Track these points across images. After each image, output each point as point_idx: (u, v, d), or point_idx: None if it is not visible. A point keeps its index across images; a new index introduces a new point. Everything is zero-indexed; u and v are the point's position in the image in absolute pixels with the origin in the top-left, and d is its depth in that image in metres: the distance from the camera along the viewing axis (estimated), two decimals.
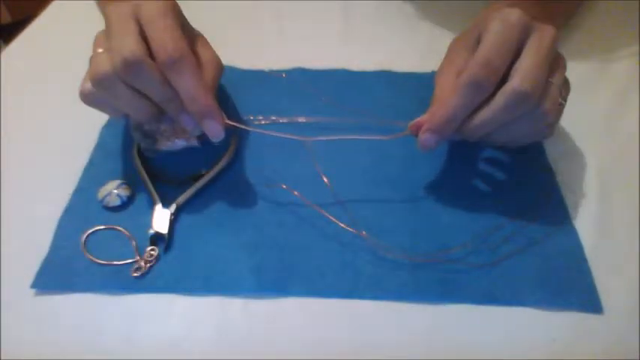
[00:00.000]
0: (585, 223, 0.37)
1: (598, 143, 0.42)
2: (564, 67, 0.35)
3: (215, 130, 0.35)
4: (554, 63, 0.34)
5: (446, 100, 0.33)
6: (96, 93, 0.35)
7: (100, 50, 0.34)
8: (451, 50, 0.39)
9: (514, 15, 0.33)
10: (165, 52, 0.32)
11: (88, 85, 0.35)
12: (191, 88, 0.33)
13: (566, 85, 0.36)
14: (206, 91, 0.34)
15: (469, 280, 0.34)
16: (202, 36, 0.40)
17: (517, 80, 0.31)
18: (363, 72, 0.49)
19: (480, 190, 0.39)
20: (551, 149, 0.42)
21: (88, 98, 0.36)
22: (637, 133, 0.43)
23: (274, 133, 0.38)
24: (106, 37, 0.34)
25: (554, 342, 0.31)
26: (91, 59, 0.35)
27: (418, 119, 0.35)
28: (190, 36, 0.38)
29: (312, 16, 0.56)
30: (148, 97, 0.35)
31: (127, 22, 0.33)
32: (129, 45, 0.32)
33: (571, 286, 0.33)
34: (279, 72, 0.48)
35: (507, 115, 0.33)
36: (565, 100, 0.35)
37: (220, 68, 0.40)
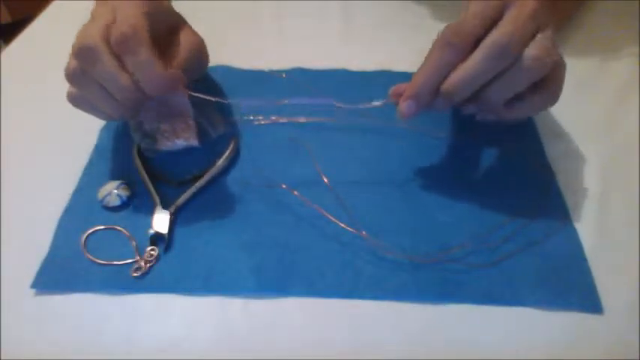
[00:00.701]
0: (585, 223, 0.37)
1: (598, 143, 0.42)
2: (552, 35, 0.34)
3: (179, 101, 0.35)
4: (541, 29, 0.33)
5: (422, 66, 0.34)
6: (75, 92, 0.35)
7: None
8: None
9: None
10: (117, 30, 0.32)
11: (70, 89, 0.36)
12: (143, 63, 0.33)
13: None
14: (160, 67, 0.33)
15: (469, 280, 0.34)
16: (187, 24, 0.41)
17: (495, 33, 0.32)
18: (363, 72, 0.49)
19: (480, 190, 0.39)
20: (551, 149, 0.42)
21: (71, 98, 0.36)
22: (637, 133, 0.43)
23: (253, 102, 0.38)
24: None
25: (554, 342, 0.31)
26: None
27: (398, 85, 0.36)
28: (171, 23, 0.39)
29: (312, 16, 0.56)
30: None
31: (102, 12, 0.34)
32: (89, 32, 0.33)
33: (571, 286, 0.33)
34: (279, 72, 0.48)
35: (487, 68, 0.32)
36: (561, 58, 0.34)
37: (197, 50, 0.40)
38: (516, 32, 0.31)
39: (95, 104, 0.36)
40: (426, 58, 0.34)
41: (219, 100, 0.38)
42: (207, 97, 0.38)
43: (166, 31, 0.37)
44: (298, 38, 0.53)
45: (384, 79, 0.48)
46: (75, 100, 0.36)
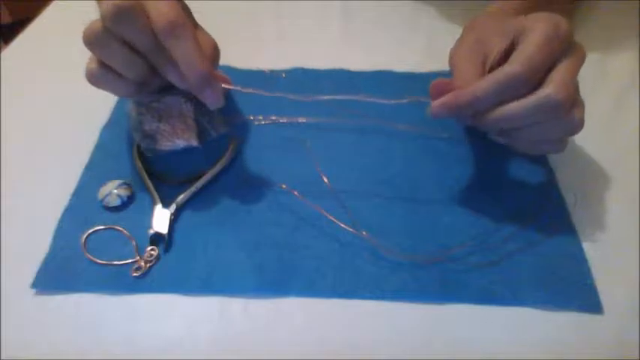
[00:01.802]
0: (585, 223, 0.37)
1: (598, 143, 0.42)
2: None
3: (212, 99, 0.35)
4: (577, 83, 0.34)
5: (476, 83, 0.33)
6: (96, 66, 0.34)
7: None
8: (478, 29, 0.38)
9: (564, 24, 0.32)
10: (164, 17, 0.32)
11: (90, 65, 0.35)
12: (190, 53, 0.32)
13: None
14: (204, 59, 0.33)
15: (469, 280, 0.34)
16: (201, 27, 0.41)
17: (554, 87, 0.31)
18: (363, 72, 0.49)
19: (480, 190, 0.39)
20: None
21: (92, 73, 0.35)
22: (637, 133, 0.43)
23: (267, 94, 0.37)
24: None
25: (554, 342, 0.31)
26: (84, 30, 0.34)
27: (440, 80, 0.34)
28: (192, 22, 0.38)
29: (312, 16, 0.56)
30: (138, 53, 0.34)
31: None
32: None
33: (571, 286, 0.33)
34: (279, 72, 0.48)
35: (535, 117, 0.32)
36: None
37: (218, 51, 0.40)
38: (571, 88, 0.31)
39: (119, 68, 0.35)
40: (489, 78, 0.32)
41: (257, 91, 0.37)
42: (245, 90, 0.37)
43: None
44: (298, 38, 0.53)
45: (384, 79, 0.48)
46: (96, 74, 0.35)
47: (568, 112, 0.32)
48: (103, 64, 0.34)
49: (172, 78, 0.35)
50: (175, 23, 0.32)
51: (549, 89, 0.31)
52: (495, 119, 0.33)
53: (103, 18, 0.32)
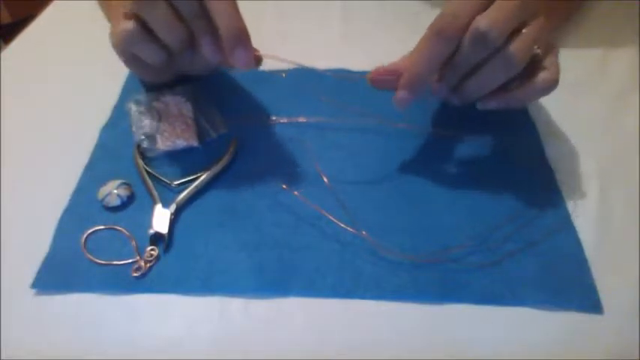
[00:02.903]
0: (585, 223, 0.37)
1: (598, 143, 0.42)
2: (543, 28, 0.34)
3: (245, 59, 0.35)
4: (532, 21, 0.34)
5: (413, 56, 0.34)
6: (134, 26, 0.35)
7: None
8: None
9: None
10: None
11: (127, 24, 0.35)
12: (228, 7, 0.33)
13: (549, 45, 0.36)
14: (241, 17, 0.34)
15: (469, 280, 0.34)
16: None
17: (478, 20, 0.32)
18: (363, 72, 0.49)
19: (480, 190, 0.39)
20: (551, 149, 0.42)
21: (129, 34, 0.35)
22: (637, 133, 0.43)
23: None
24: None
25: (554, 342, 0.31)
26: None
27: (377, 68, 0.36)
28: None
29: (312, 16, 0.56)
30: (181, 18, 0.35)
31: None
32: None
33: (571, 286, 0.33)
34: (279, 72, 0.48)
35: (470, 55, 0.33)
36: (552, 56, 0.35)
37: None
38: (499, 19, 0.32)
39: (159, 31, 0.35)
40: (418, 47, 0.34)
41: (274, 57, 0.38)
42: (271, 56, 0.38)
43: None
44: (298, 38, 0.53)
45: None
46: (134, 35, 0.35)
47: (502, 44, 0.32)
48: (142, 26, 0.35)
49: (207, 48, 0.35)
50: None
51: (474, 22, 0.32)
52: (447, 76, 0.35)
53: None
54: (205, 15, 0.34)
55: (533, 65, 0.35)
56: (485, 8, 0.33)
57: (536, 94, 0.36)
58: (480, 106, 0.38)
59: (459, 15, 0.32)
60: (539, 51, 0.34)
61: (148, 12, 0.34)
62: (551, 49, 0.36)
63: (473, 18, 0.32)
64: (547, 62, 0.35)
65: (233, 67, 0.36)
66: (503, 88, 0.36)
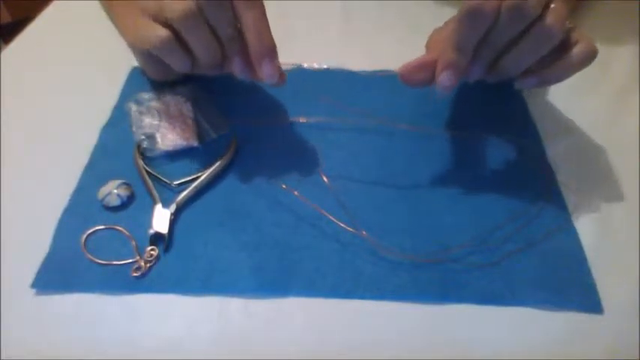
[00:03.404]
0: (585, 223, 0.37)
1: (598, 143, 0.42)
2: (568, 3, 0.35)
3: (271, 72, 0.36)
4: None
5: (451, 34, 0.34)
6: (168, 36, 0.35)
7: None
8: (436, 31, 0.41)
9: None
10: None
11: (163, 32, 0.35)
12: (259, 22, 0.35)
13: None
14: (270, 31, 0.35)
15: (469, 280, 0.34)
16: None
17: None
18: (363, 72, 0.49)
19: (480, 190, 0.39)
20: (551, 149, 0.42)
21: (163, 42, 0.35)
22: (637, 132, 0.43)
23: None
24: None
25: (554, 342, 0.31)
26: (162, 8, 0.35)
27: (408, 62, 0.36)
28: None
29: (312, 16, 0.56)
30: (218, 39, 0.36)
31: None
32: None
33: (571, 286, 0.33)
34: None
35: (507, 30, 0.33)
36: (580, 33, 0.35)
37: None
38: None
39: (196, 49, 0.36)
40: (456, 24, 0.33)
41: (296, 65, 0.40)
42: (292, 65, 0.39)
43: None
44: (298, 38, 0.53)
45: (384, 79, 0.48)
46: (167, 43, 0.36)
47: (540, 14, 0.32)
48: (176, 38, 0.36)
49: (238, 68, 0.37)
50: None
51: None
52: (482, 54, 0.34)
53: (200, 2, 0.33)
54: (240, 37, 0.36)
55: (566, 40, 0.35)
56: None
57: (577, 66, 0.35)
58: (518, 85, 0.37)
59: None
60: (571, 25, 0.34)
61: (189, 31, 0.35)
62: (576, 26, 0.35)
63: None
64: (578, 36, 0.35)
65: (260, 81, 0.38)
66: (540, 65, 0.35)
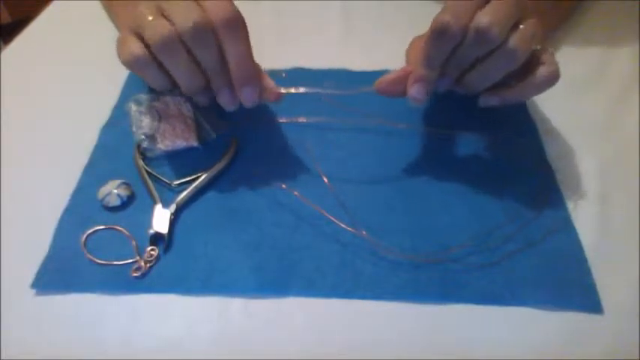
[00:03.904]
0: (585, 223, 0.37)
1: (598, 143, 0.42)
2: (537, 26, 0.35)
3: (251, 98, 0.36)
4: (524, 16, 0.34)
5: (421, 50, 0.35)
6: (143, 55, 0.34)
7: (151, 18, 0.34)
8: (416, 39, 0.42)
9: None
10: (223, 12, 0.33)
11: (138, 50, 0.34)
12: (242, 51, 0.34)
13: (544, 43, 0.36)
14: (252, 58, 0.35)
15: (469, 280, 0.34)
16: None
17: (479, 16, 0.33)
18: (363, 72, 0.49)
19: (480, 190, 0.39)
20: (551, 149, 0.42)
21: (137, 60, 0.35)
22: (637, 132, 0.43)
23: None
24: (156, 8, 0.34)
25: (554, 342, 0.31)
26: (143, 26, 0.34)
27: (382, 77, 0.37)
28: None
29: (312, 16, 0.56)
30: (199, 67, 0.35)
31: None
32: (196, 11, 0.33)
33: (571, 286, 0.33)
34: (279, 72, 0.48)
35: (472, 51, 0.34)
36: (549, 54, 0.36)
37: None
38: (498, 14, 0.33)
39: (176, 75, 0.36)
40: (425, 41, 0.34)
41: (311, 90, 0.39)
42: (300, 89, 0.39)
43: None
44: (298, 38, 0.53)
45: None
46: (141, 63, 0.35)
47: (503, 39, 0.33)
48: (152, 55, 0.35)
49: (224, 99, 0.37)
50: (233, 18, 0.33)
51: (477, 18, 0.33)
52: (448, 70, 0.36)
53: (181, 29, 0.33)
54: (225, 68, 0.35)
55: (532, 61, 0.35)
56: (483, 6, 0.33)
57: (538, 88, 0.37)
58: (481, 102, 0.38)
59: (459, 14, 0.33)
60: (537, 47, 0.35)
61: (166, 56, 0.34)
62: (545, 48, 0.36)
63: (472, 16, 0.33)
64: (545, 58, 0.36)
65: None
66: (504, 84, 0.36)
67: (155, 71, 0.36)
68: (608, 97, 0.47)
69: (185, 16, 0.33)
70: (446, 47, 0.34)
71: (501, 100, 0.38)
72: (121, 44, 0.36)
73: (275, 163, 0.41)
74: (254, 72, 0.36)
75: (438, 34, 0.33)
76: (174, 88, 0.39)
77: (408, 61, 0.41)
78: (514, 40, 0.33)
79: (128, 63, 0.35)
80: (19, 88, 0.48)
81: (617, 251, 0.36)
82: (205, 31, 0.33)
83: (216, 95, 0.37)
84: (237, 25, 0.34)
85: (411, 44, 0.42)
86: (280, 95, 0.38)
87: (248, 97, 0.36)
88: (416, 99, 0.36)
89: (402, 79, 0.37)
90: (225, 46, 0.34)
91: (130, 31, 0.35)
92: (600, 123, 0.44)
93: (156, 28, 0.33)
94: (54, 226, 0.36)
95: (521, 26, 0.34)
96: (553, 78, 0.36)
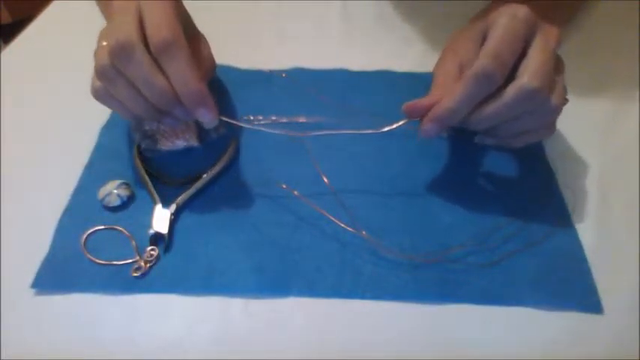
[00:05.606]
0: (585, 223, 0.37)
1: (598, 143, 0.42)
2: (564, 69, 0.35)
3: (209, 117, 0.34)
4: (558, 63, 0.34)
5: (452, 91, 0.33)
6: (101, 87, 0.34)
7: (104, 43, 0.34)
8: (453, 41, 0.39)
9: (522, 10, 0.33)
10: (158, 34, 0.32)
11: (95, 84, 0.35)
12: (184, 72, 0.32)
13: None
14: (198, 78, 0.33)
15: (469, 280, 0.34)
16: (203, 36, 0.41)
17: (527, 77, 0.32)
18: (363, 72, 0.49)
19: (480, 190, 0.39)
20: (551, 149, 0.42)
21: (97, 94, 0.35)
22: (637, 133, 0.43)
23: (267, 130, 0.38)
24: (108, 29, 0.34)
25: (554, 342, 0.31)
26: (95, 53, 0.34)
27: (415, 101, 0.35)
28: (191, 33, 0.39)
29: (312, 16, 0.56)
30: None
31: (127, 10, 0.33)
32: (124, 29, 0.32)
33: (571, 286, 0.33)
34: (279, 72, 0.48)
35: (516, 109, 0.33)
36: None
37: (213, 68, 0.41)
38: (546, 74, 0.32)
39: (123, 102, 0.35)
40: (461, 83, 0.33)
41: (240, 124, 0.39)
42: (238, 123, 0.38)
43: (188, 38, 0.35)
44: (298, 38, 0.53)
45: (384, 79, 0.48)
46: (101, 96, 0.35)
47: (547, 98, 0.32)
48: (107, 89, 0.34)
49: (180, 116, 0.35)
50: (169, 42, 0.32)
51: (523, 79, 0.32)
52: (479, 120, 0.34)
53: (109, 54, 0.32)
54: (166, 88, 0.33)
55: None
56: (523, 50, 0.33)
57: (535, 140, 0.37)
58: (477, 139, 0.38)
59: (502, 58, 0.32)
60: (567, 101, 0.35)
61: (108, 85, 0.34)
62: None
63: (513, 61, 0.32)
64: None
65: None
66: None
67: (115, 103, 0.35)
68: (609, 98, 0.47)
69: (113, 36, 0.32)
70: (483, 90, 0.32)
71: (497, 144, 0.38)
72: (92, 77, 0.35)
73: (275, 163, 0.41)
74: (201, 93, 0.33)
75: (480, 76, 0.32)
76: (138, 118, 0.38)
77: (435, 74, 0.39)
78: (555, 98, 0.33)
79: (95, 98, 0.36)
80: (19, 88, 0.48)
81: (617, 251, 0.36)
82: (128, 49, 0.31)
83: (173, 115, 0.36)
84: (172, 46, 0.32)
85: (435, 69, 0.40)
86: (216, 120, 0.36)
87: (205, 119, 0.34)
88: (428, 135, 0.35)
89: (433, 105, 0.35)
90: (165, 69, 0.33)
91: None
92: (600, 123, 0.44)
93: (98, 57, 0.33)
94: (54, 226, 0.36)
95: (556, 78, 0.33)
96: (550, 133, 0.36)
